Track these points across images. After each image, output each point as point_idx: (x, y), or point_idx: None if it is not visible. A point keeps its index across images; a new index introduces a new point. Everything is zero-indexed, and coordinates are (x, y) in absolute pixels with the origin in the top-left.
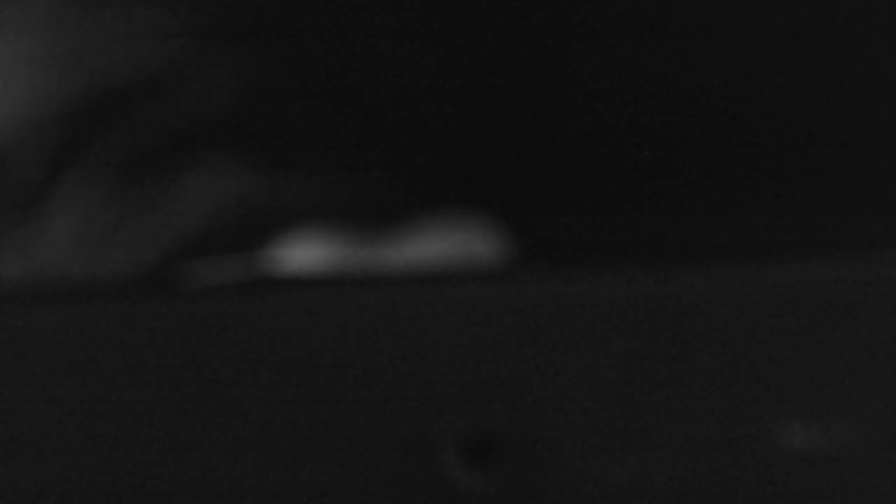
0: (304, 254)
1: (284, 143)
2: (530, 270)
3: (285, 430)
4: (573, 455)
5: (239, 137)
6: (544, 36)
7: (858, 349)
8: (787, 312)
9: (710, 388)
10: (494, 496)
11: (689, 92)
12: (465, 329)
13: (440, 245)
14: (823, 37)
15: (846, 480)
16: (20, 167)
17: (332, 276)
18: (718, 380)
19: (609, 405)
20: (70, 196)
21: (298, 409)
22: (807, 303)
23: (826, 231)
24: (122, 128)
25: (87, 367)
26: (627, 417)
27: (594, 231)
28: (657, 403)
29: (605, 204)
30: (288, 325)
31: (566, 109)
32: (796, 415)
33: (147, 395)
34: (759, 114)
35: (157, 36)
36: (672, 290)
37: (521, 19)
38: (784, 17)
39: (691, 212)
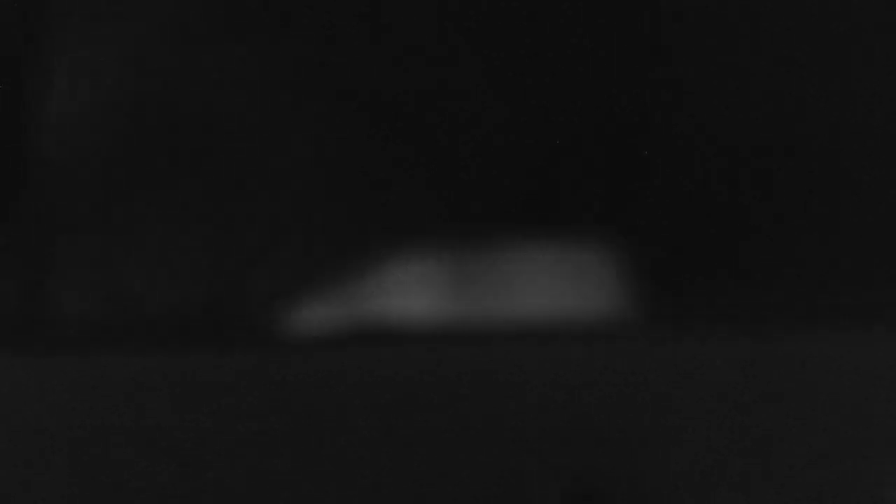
0: (408, 300)
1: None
2: (644, 328)
3: (384, 482)
4: None
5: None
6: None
7: None
8: (889, 376)
9: (815, 448)
10: None
11: (807, 154)
12: (576, 386)
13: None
14: None
15: None
16: (92, 205)
17: (439, 329)
18: (823, 439)
19: (718, 464)
20: (145, 236)
21: (401, 461)
22: None
23: None
24: (181, 161)
25: (174, 413)
26: (736, 476)
27: (715, 294)
28: (764, 460)
29: (731, 267)
30: (392, 379)
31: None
32: None
33: (238, 441)
34: (869, 180)
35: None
36: (782, 351)
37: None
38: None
39: (808, 275)
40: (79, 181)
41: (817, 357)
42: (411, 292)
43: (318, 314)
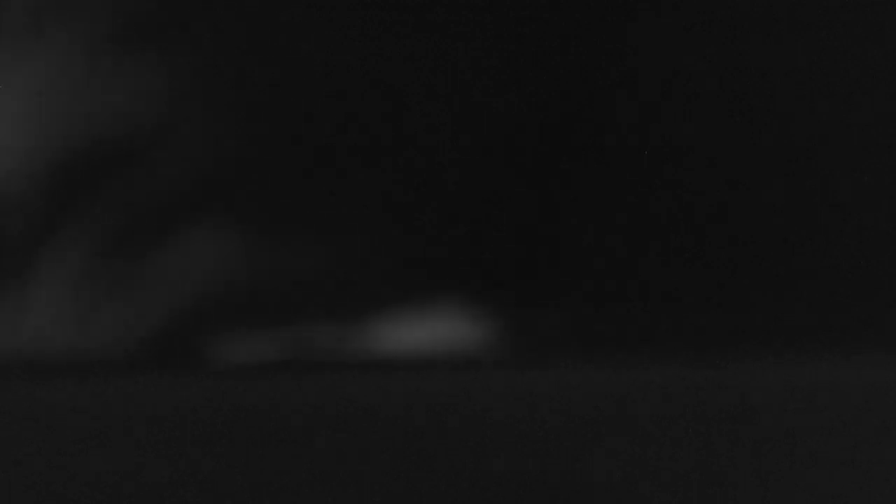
0: (322, 334)
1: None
2: (554, 358)
3: None
4: None
5: (240, 210)
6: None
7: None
8: (824, 407)
9: (745, 477)
10: None
11: (706, 170)
12: (485, 414)
13: (444, 330)
14: None
15: None
16: (6, 235)
17: (352, 360)
18: (757, 470)
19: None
20: (63, 265)
21: (317, 488)
22: (845, 397)
23: (870, 324)
24: (115, 194)
25: (93, 441)
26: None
27: (629, 322)
28: (691, 485)
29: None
30: (315, 407)
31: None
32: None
33: (157, 472)
34: (794, 203)
35: (149, 102)
36: (713, 380)
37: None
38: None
39: (726, 302)
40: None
41: (752, 386)
42: (327, 322)
43: (251, 342)
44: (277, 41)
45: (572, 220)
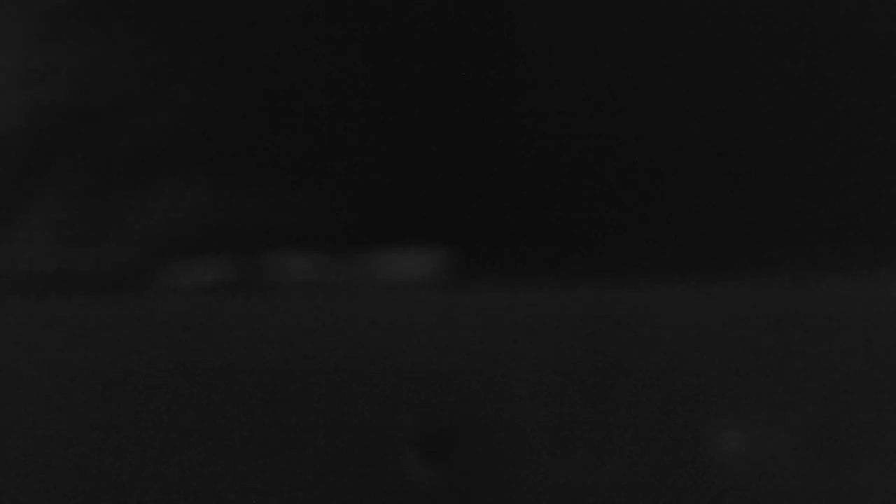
0: (279, 262)
1: (256, 159)
2: (485, 284)
3: (255, 428)
4: (519, 454)
5: (212, 148)
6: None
7: (780, 367)
8: (720, 331)
9: (648, 397)
10: (448, 489)
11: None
12: (425, 336)
13: (398, 263)
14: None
15: (765, 481)
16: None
17: (303, 283)
18: (655, 390)
19: (552, 410)
20: (48, 192)
21: (269, 409)
22: (738, 322)
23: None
24: (101, 132)
25: (62, 360)
26: (565, 424)
27: (551, 249)
28: (599, 408)
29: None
30: (260, 328)
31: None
32: (724, 423)
33: (121, 389)
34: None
35: (131, 55)
36: (616, 305)
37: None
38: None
39: (647, 230)
40: None
41: (647, 311)
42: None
43: (201, 263)
44: None
45: (511, 151)
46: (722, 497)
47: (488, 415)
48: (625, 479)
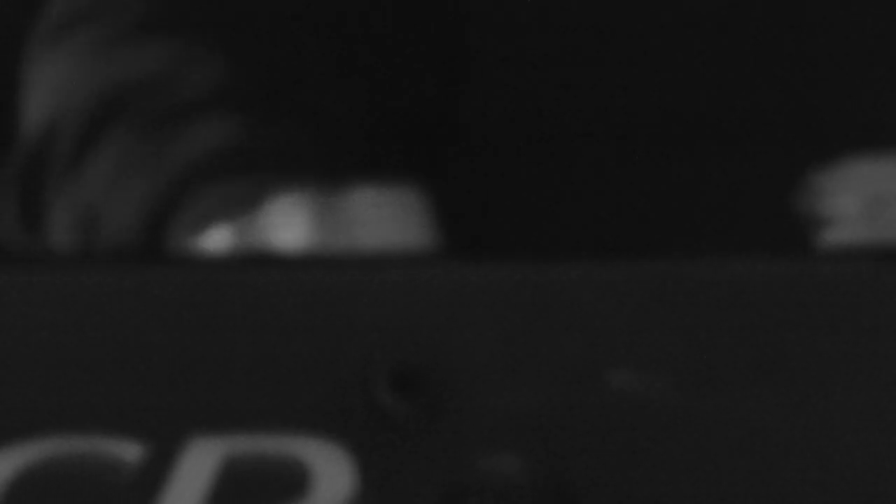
0: (279, 223)
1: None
2: (453, 256)
3: (255, 369)
4: (474, 387)
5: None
6: None
7: (667, 324)
8: (623, 299)
9: (568, 345)
10: (415, 417)
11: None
12: (399, 303)
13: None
14: None
15: (656, 418)
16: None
17: (299, 256)
18: (572, 340)
19: (499, 355)
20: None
21: (266, 353)
22: (635, 292)
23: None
24: (130, 111)
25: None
26: (510, 365)
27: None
28: (532, 352)
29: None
30: (262, 292)
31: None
32: (622, 365)
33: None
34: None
35: (157, 38)
36: (545, 278)
37: None
38: None
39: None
40: None
41: (574, 282)
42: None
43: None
44: None
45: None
46: (616, 427)
47: (449, 357)
48: (549, 402)
